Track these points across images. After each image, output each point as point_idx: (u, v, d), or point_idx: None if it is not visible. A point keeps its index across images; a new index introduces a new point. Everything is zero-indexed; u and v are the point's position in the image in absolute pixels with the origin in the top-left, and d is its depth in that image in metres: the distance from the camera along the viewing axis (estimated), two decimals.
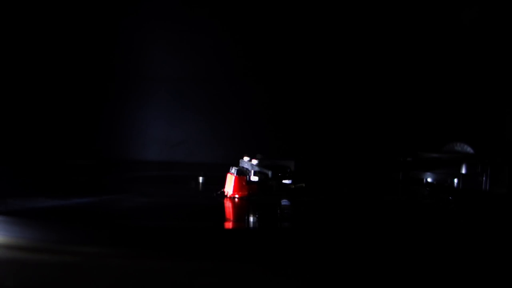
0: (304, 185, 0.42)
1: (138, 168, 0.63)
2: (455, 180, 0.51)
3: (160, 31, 0.68)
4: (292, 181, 0.42)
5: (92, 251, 0.27)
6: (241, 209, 0.39)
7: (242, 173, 0.41)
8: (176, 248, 0.28)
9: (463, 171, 0.51)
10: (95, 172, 0.59)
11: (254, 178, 0.41)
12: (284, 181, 0.42)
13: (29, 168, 0.59)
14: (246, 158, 0.41)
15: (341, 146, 0.68)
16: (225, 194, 0.41)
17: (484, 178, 0.50)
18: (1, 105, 0.63)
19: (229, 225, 0.34)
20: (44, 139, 0.65)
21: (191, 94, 0.69)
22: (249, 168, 0.41)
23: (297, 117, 0.69)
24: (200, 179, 0.49)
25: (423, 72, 0.68)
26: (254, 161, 0.41)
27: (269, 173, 0.41)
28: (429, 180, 0.53)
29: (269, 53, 0.68)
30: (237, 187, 0.40)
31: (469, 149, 0.54)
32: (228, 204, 0.39)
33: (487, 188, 0.50)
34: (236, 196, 0.40)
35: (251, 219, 0.36)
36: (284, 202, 0.40)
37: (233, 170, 0.41)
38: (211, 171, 0.50)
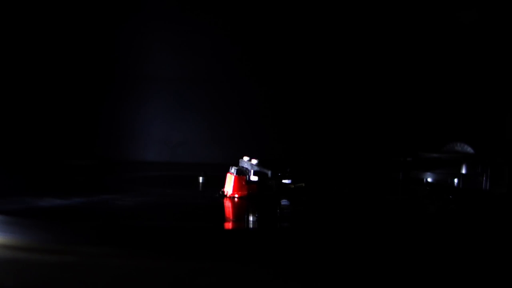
0: (304, 185, 0.42)
1: (138, 168, 0.63)
2: (455, 180, 0.51)
3: (160, 31, 0.68)
4: (292, 181, 0.42)
5: (92, 251, 0.27)
6: (241, 209, 0.39)
7: (242, 173, 0.41)
8: (176, 248, 0.28)
9: (463, 171, 0.51)
10: (95, 172, 0.59)
11: (254, 178, 0.41)
12: (283, 181, 0.42)
13: (29, 168, 0.59)
14: (245, 158, 0.41)
15: (341, 146, 0.68)
16: (225, 194, 0.41)
17: (484, 178, 0.50)
18: (1, 105, 0.63)
19: (229, 225, 0.34)
20: (44, 139, 0.65)
21: (191, 94, 0.69)
22: (249, 168, 0.41)
23: (297, 117, 0.69)
24: (200, 179, 0.49)
25: (423, 72, 0.68)
26: (254, 161, 0.41)
27: (269, 173, 0.41)
28: (429, 180, 0.53)
29: (269, 53, 0.68)
30: (237, 187, 0.40)
31: (469, 149, 0.54)
32: (227, 204, 0.39)
33: (487, 188, 0.50)
34: (236, 196, 0.40)
35: (251, 219, 0.36)
36: (284, 202, 0.40)
37: (233, 170, 0.41)
38: (211, 171, 0.50)
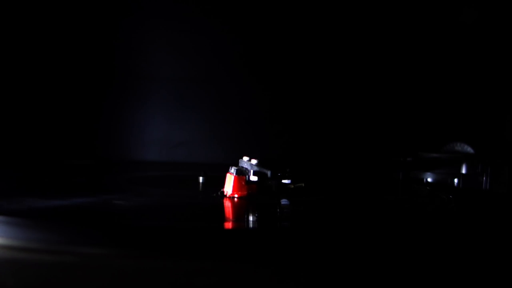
0: (303, 185, 0.42)
1: (138, 168, 0.63)
2: (455, 180, 0.51)
3: (160, 31, 0.68)
4: (292, 181, 0.42)
5: (92, 251, 0.27)
6: (241, 209, 0.39)
7: (242, 173, 0.40)
8: (176, 248, 0.28)
9: (463, 171, 0.51)
10: (95, 172, 0.59)
11: (254, 178, 0.40)
12: (283, 181, 0.42)
13: (28, 168, 0.59)
14: (245, 158, 0.41)
15: (341, 146, 0.68)
16: (225, 194, 0.41)
17: (484, 178, 0.50)
18: (1, 105, 0.63)
19: (228, 225, 0.34)
20: (43, 139, 0.65)
21: (191, 94, 0.69)
22: (249, 168, 0.41)
23: (297, 117, 0.69)
24: (200, 179, 0.49)
25: (423, 72, 0.68)
26: (254, 161, 0.41)
27: (268, 173, 0.41)
28: (429, 180, 0.53)
29: (269, 53, 0.68)
30: (236, 187, 0.40)
31: (469, 149, 0.54)
32: (227, 204, 0.39)
33: (487, 188, 0.50)
34: (236, 196, 0.40)
35: (251, 219, 0.36)
36: (284, 202, 0.40)
37: (233, 170, 0.41)
38: (211, 171, 0.50)
